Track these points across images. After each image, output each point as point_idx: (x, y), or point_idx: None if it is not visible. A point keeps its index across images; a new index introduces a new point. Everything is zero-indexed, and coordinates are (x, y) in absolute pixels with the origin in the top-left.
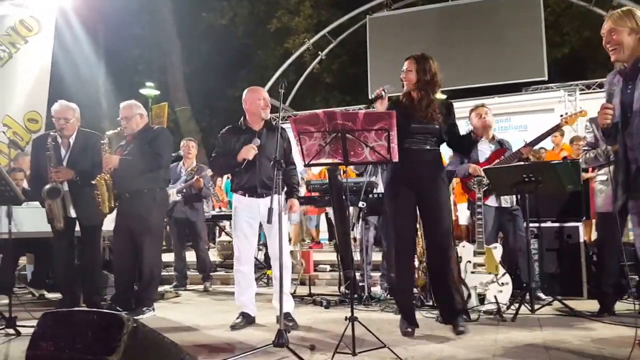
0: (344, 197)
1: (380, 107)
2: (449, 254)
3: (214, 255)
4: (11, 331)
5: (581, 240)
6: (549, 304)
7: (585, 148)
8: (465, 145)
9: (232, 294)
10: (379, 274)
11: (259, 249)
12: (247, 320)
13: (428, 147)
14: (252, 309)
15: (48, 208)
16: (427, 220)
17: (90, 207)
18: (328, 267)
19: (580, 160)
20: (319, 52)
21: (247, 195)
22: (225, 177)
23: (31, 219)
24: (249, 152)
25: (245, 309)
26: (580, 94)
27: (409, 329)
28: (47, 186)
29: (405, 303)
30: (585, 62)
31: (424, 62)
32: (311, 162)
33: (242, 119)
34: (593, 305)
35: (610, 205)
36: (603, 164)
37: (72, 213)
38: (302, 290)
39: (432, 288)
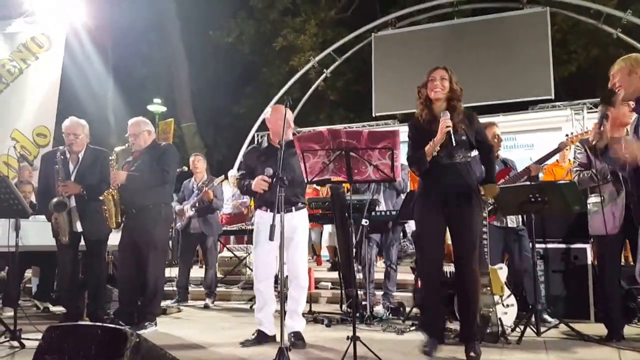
0: (346, 214)
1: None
2: (473, 272)
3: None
4: (16, 344)
5: (589, 262)
6: (555, 326)
7: (578, 169)
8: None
9: (233, 310)
10: (382, 292)
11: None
12: (262, 338)
13: (457, 160)
14: (269, 327)
15: (54, 221)
16: (453, 238)
17: (96, 222)
18: (329, 285)
19: (575, 181)
20: (324, 70)
21: (269, 210)
22: None
23: (37, 232)
24: (260, 185)
25: (261, 327)
26: (588, 112)
27: (428, 349)
28: (55, 200)
29: (433, 321)
30: (592, 80)
31: (452, 73)
32: (314, 180)
33: (266, 136)
34: (600, 329)
35: (605, 227)
36: (595, 185)
37: (78, 227)
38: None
39: (457, 305)
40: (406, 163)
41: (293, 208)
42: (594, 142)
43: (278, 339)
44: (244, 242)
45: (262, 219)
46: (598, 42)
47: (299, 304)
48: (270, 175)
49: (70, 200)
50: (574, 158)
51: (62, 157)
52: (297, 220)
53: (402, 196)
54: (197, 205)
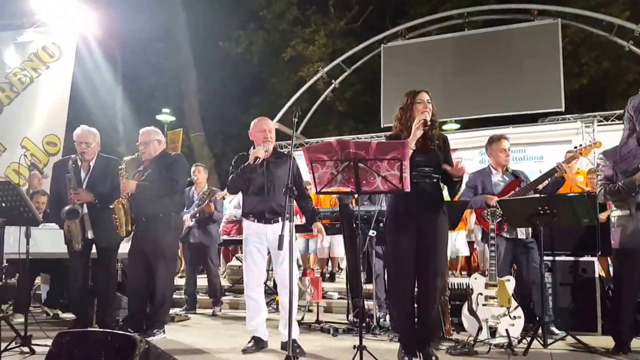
0: (354, 225)
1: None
2: (437, 289)
3: (223, 280)
4: (26, 349)
5: (596, 275)
6: (562, 338)
7: (603, 182)
8: (449, 181)
9: (241, 318)
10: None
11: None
12: (259, 344)
13: (428, 180)
14: (264, 333)
15: (67, 229)
16: (421, 258)
17: (107, 230)
18: (336, 295)
19: (598, 194)
20: (333, 81)
21: (256, 221)
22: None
23: (47, 239)
24: (258, 151)
25: (256, 333)
26: (598, 125)
27: (406, 358)
28: (67, 207)
29: (405, 332)
30: (603, 93)
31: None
32: (323, 190)
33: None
34: (608, 341)
35: (631, 241)
36: (622, 199)
37: (90, 235)
38: (310, 318)
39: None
40: None
41: (279, 218)
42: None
43: (272, 345)
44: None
45: (250, 228)
46: (609, 54)
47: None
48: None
49: (82, 208)
50: (599, 171)
51: (73, 165)
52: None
53: None
54: (197, 215)
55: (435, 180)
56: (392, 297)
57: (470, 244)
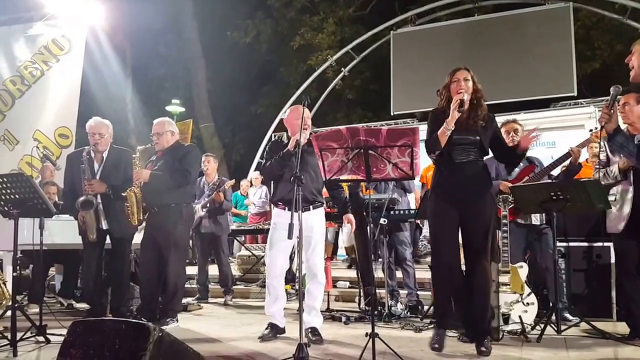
0: (364, 213)
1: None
2: (487, 272)
3: (234, 269)
4: (41, 339)
5: (611, 260)
6: (576, 325)
7: (597, 167)
8: (513, 158)
9: (253, 307)
10: (405, 292)
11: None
12: (276, 331)
13: (471, 159)
14: (281, 320)
15: (81, 219)
16: (465, 234)
17: (121, 220)
18: (347, 284)
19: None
20: (342, 69)
21: (287, 209)
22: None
23: (61, 230)
24: (299, 137)
25: (273, 320)
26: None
27: (437, 345)
28: (81, 198)
29: (442, 314)
30: (617, 77)
31: (472, 73)
32: (333, 178)
33: (285, 134)
34: (623, 327)
35: (616, 226)
36: (611, 184)
37: (104, 225)
38: (321, 306)
39: (466, 304)
40: None
41: (311, 207)
42: (602, 124)
43: (289, 333)
44: (257, 242)
45: (280, 217)
46: (623, 38)
47: (317, 300)
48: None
49: (96, 198)
50: (598, 156)
51: (87, 156)
52: (315, 219)
53: (410, 195)
54: (207, 205)
55: (479, 159)
56: (435, 275)
57: None
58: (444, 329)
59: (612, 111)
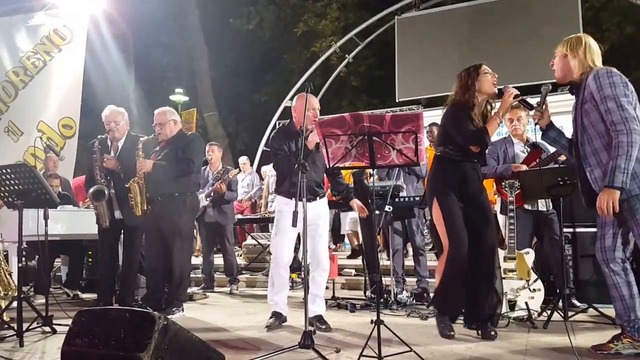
0: (369, 201)
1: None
2: (495, 261)
3: (239, 259)
4: (47, 329)
5: None
6: (584, 311)
7: None
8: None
9: (259, 296)
10: (415, 279)
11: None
12: (280, 319)
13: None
14: (284, 309)
15: (95, 208)
16: (474, 228)
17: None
18: (353, 272)
19: None
20: (346, 55)
21: (292, 198)
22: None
23: (66, 221)
24: (316, 137)
25: (277, 308)
26: None
27: (452, 333)
28: (92, 189)
29: (452, 301)
30: (626, 59)
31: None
32: (336, 165)
33: (289, 122)
34: None
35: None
36: None
37: (117, 215)
38: (327, 294)
39: (471, 291)
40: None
41: (317, 197)
42: (535, 122)
43: (292, 322)
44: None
45: (287, 205)
46: (632, 19)
47: (322, 288)
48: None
49: (109, 188)
50: None
51: (99, 146)
52: (320, 208)
53: (422, 182)
54: (212, 195)
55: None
56: (447, 264)
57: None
58: (452, 319)
59: (543, 108)
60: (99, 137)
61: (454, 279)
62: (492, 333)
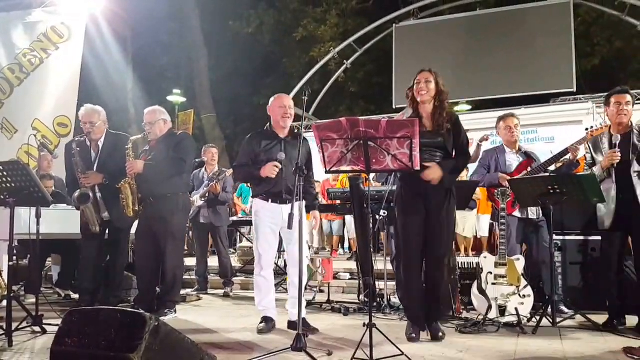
0: (365, 205)
1: None
2: (445, 267)
3: (234, 261)
4: (37, 329)
5: None
6: (572, 317)
7: (586, 168)
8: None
9: (252, 298)
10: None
11: (279, 256)
12: (270, 323)
13: (437, 161)
14: (274, 313)
15: (81, 213)
16: (429, 237)
17: (121, 210)
18: (348, 276)
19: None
20: (345, 61)
21: (270, 201)
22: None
23: (58, 220)
24: (272, 170)
25: (267, 313)
26: None
27: (414, 335)
28: (77, 193)
29: (413, 308)
30: (616, 73)
31: (437, 74)
32: (332, 169)
33: (268, 124)
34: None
35: (604, 222)
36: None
37: (106, 216)
38: (321, 298)
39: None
40: None
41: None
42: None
43: (280, 324)
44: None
45: (263, 208)
46: (622, 34)
47: (299, 289)
48: (280, 161)
49: (94, 190)
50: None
51: (78, 148)
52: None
53: None
54: (206, 196)
55: (439, 160)
56: (401, 274)
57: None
58: (419, 326)
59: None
60: (76, 139)
61: (405, 285)
62: (440, 334)
